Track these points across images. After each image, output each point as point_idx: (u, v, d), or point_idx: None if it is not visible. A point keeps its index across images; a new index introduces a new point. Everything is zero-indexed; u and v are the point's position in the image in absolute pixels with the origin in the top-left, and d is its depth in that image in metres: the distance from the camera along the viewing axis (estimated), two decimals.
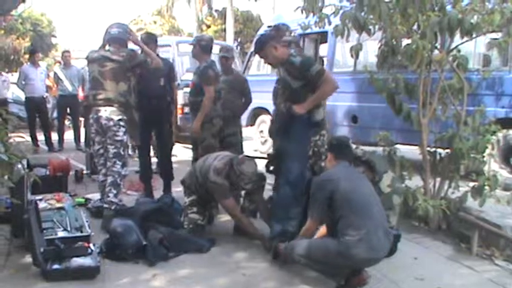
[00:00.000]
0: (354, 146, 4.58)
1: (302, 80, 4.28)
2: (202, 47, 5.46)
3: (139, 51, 5.32)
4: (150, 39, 5.72)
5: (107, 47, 5.10)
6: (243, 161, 4.42)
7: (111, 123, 4.89)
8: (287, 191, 4.29)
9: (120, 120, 4.91)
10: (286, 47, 4.50)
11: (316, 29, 5.23)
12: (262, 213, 4.72)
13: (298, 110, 4.26)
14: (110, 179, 4.96)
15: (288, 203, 4.26)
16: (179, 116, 5.90)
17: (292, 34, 5.28)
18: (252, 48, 7.07)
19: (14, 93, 12.53)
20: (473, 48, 6.22)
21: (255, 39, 5.40)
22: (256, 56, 5.47)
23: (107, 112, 4.89)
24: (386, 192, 4.40)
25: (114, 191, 4.93)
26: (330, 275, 3.65)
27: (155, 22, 33.43)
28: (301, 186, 4.21)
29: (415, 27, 4.55)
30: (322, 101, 4.44)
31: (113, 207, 4.86)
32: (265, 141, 9.57)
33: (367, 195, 3.61)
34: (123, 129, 4.94)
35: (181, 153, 5.91)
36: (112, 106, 4.89)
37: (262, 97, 7.34)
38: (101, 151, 5.09)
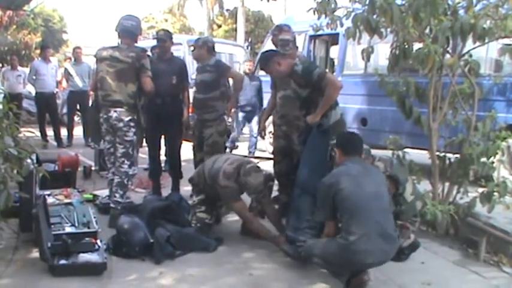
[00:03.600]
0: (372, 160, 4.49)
1: (308, 87, 4.32)
2: (209, 48, 5.52)
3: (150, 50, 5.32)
4: (166, 36, 5.76)
5: (117, 42, 5.04)
6: (250, 173, 4.36)
7: (121, 124, 4.87)
8: (304, 201, 4.24)
9: (130, 120, 4.89)
10: (291, 58, 4.52)
11: (328, 31, 5.22)
12: (269, 214, 4.69)
13: (311, 120, 4.30)
14: (116, 179, 4.97)
15: (306, 212, 4.19)
16: (190, 114, 5.86)
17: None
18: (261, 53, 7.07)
19: (25, 87, 12.58)
20: (485, 54, 6.18)
21: (259, 55, 5.40)
22: None
23: (116, 113, 4.87)
24: (410, 200, 4.36)
25: (121, 192, 4.94)
26: (336, 275, 3.67)
27: (166, 20, 33.52)
28: None
29: (427, 31, 4.54)
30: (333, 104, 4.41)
31: (119, 207, 4.87)
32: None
33: (368, 199, 3.49)
34: (133, 129, 4.92)
35: (190, 151, 5.89)
36: (122, 107, 4.87)
37: None
38: (111, 150, 5.09)
